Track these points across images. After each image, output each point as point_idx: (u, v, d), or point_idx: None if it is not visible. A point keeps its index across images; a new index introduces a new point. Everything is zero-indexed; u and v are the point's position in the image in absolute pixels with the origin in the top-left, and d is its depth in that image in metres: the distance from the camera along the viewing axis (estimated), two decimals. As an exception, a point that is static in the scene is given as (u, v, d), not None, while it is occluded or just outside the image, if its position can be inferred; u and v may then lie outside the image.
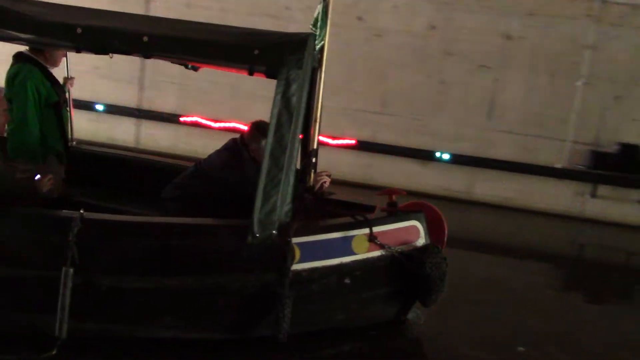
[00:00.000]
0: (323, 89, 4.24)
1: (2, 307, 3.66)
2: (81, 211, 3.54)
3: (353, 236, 4.05)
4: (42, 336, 3.50)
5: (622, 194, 9.32)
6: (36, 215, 3.77)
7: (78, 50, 3.91)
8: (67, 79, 5.12)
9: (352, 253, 4.05)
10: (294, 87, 3.63)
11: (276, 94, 3.63)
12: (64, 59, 4.96)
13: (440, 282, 4.17)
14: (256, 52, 3.66)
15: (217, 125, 10.06)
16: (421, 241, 4.30)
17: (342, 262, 4.00)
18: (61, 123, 4.80)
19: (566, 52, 9.21)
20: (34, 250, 3.60)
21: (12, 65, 4.60)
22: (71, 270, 3.42)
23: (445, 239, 4.52)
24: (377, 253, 4.12)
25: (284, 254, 3.69)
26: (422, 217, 4.34)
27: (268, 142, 3.67)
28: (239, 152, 4.54)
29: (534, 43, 9.27)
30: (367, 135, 9.81)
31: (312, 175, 4.38)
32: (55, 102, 4.67)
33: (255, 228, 3.65)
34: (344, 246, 4.02)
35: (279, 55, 3.63)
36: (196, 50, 3.85)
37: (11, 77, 4.54)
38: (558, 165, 9.42)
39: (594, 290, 6.71)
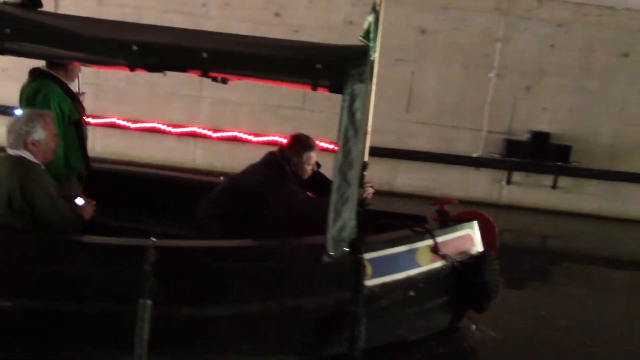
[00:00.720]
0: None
1: (74, 344, 3.46)
2: (152, 238, 3.36)
3: (417, 248, 4.04)
4: None
5: (535, 179, 9.73)
6: (105, 245, 3.55)
7: (132, 69, 3.62)
8: (79, 94, 4.73)
9: (417, 265, 4.03)
10: (358, 101, 3.52)
11: (342, 108, 3.51)
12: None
13: (496, 288, 4.24)
14: (318, 66, 3.53)
15: (135, 125, 9.80)
16: (475, 249, 4.34)
17: (409, 275, 3.97)
18: (82, 142, 4.52)
19: (478, 45, 9.50)
20: (105, 282, 3.39)
21: (29, 83, 4.26)
22: (149, 302, 3.23)
23: (497, 245, 4.57)
24: (438, 264, 4.12)
25: (357, 271, 3.63)
26: (475, 225, 4.38)
27: (337, 158, 3.56)
28: (280, 166, 4.40)
29: (447, 36, 9.51)
30: (289, 131, 9.60)
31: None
32: (76, 120, 4.39)
33: (329, 246, 3.57)
34: (409, 259, 4.00)
35: (343, 69, 3.50)
36: (258, 66, 3.67)
37: (31, 95, 4.18)
38: (474, 154, 9.73)
39: (512, 272, 6.96)
